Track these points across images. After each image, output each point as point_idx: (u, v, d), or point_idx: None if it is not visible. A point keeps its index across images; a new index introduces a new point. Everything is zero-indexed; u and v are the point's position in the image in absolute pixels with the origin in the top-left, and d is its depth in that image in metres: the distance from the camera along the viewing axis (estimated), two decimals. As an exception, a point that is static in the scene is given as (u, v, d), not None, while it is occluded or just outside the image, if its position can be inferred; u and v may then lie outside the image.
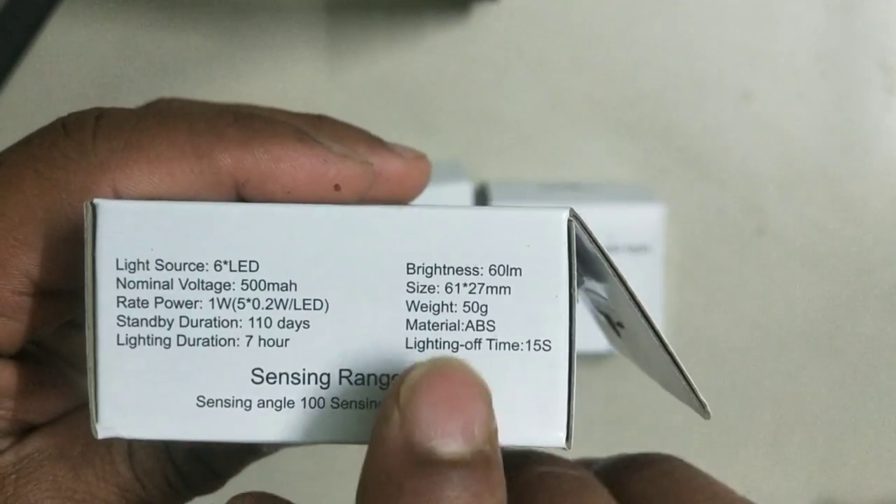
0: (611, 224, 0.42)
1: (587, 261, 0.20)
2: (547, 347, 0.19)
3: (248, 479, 0.26)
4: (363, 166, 0.22)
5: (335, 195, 0.21)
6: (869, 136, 0.45)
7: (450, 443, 0.17)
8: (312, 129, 0.23)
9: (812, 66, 0.44)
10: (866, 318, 0.45)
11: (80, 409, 0.22)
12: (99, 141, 0.20)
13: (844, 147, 0.45)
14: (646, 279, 0.42)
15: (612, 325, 0.24)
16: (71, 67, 0.43)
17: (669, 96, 0.44)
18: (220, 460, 0.23)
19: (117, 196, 0.20)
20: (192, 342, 0.19)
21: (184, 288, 0.19)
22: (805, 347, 0.45)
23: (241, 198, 0.21)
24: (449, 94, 0.44)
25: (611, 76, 0.44)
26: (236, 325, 0.19)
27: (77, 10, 0.43)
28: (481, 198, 0.44)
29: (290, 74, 0.44)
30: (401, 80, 0.44)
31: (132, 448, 0.22)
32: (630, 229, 0.42)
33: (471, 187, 0.43)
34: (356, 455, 0.20)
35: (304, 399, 0.19)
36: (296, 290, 0.19)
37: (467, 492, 0.17)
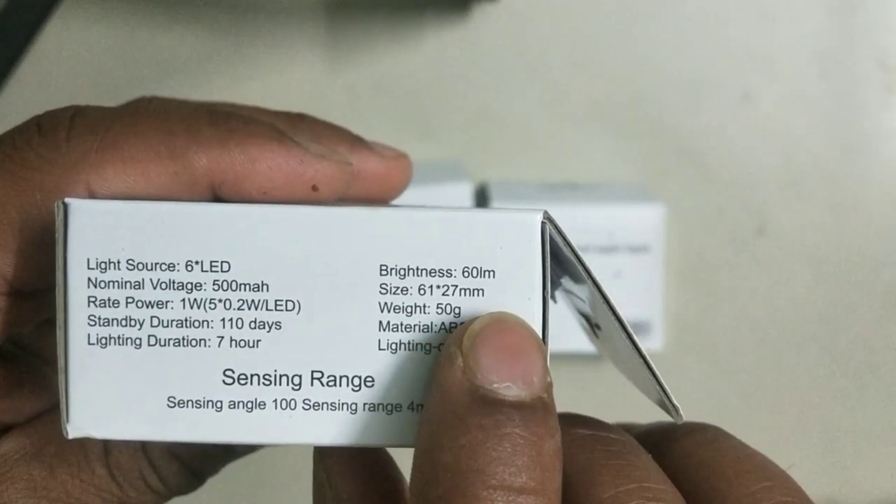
0: (611, 224, 0.42)
1: (564, 262, 0.20)
2: None
3: (228, 479, 0.26)
4: (341, 166, 0.21)
5: (313, 195, 0.21)
6: (869, 136, 0.44)
7: (511, 387, 0.18)
8: (291, 128, 0.22)
9: (812, 66, 0.44)
10: (866, 318, 0.45)
11: (56, 408, 0.22)
12: (73, 141, 0.20)
13: (844, 147, 0.44)
14: (646, 279, 0.42)
15: (591, 326, 0.24)
16: (71, 67, 0.44)
17: (670, 96, 0.44)
18: (198, 460, 0.23)
19: (91, 196, 0.19)
20: (163, 342, 0.19)
21: (155, 288, 0.19)
22: (805, 347, 0.45)
23: (217, 198, 0.21)
24: (449, 95, 0.44)
25: (611, 76, 0.44)
26: (207, 326, 0.19)
27: (77, 10, 0.43)
28: (481, 198, 0.44)
29: (290, 74, 0.44)
30: (401, 80, 0.44)
31: (108, 447, 0.22)
32: (630, 229, 0.42)
33: (471, 187, 0.43)
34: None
35: (275, 400, 0.19)
36: (268, 290, 0.19)
37: (529, 431, 0.17)
